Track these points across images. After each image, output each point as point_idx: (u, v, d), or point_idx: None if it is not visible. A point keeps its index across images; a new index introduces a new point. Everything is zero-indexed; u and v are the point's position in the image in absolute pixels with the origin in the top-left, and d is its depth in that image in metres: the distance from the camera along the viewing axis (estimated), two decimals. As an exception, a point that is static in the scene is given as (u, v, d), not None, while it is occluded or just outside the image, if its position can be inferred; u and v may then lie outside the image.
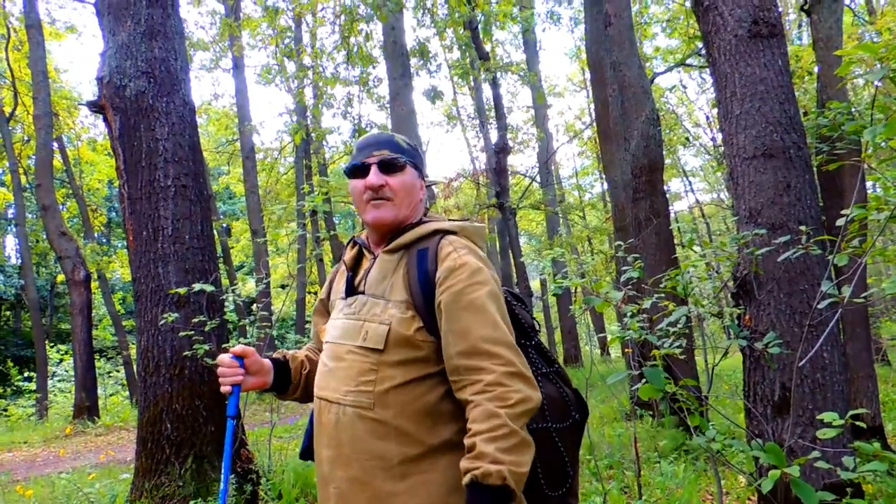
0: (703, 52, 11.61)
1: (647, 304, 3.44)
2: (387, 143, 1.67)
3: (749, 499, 4.55)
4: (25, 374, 23.58)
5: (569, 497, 1.52)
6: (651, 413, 7.33)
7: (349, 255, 1.73)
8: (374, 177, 1.62)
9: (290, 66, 17.40)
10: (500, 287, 1.51)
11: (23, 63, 17.72)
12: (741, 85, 3.30)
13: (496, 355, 1.36)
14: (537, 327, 1.66)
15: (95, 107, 4.87)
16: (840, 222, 2.48)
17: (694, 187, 28.46)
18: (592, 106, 18.60)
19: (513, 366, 1.36)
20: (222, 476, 1.63)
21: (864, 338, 5.45)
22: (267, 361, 1.72)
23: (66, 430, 11.64)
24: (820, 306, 2.47)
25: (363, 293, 1.59)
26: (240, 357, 1.64)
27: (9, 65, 17.84)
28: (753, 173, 3.20)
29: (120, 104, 4.70)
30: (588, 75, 22.87)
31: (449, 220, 1.68)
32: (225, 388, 1.63)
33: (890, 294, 2.03)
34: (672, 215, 9.20)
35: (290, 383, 1.76)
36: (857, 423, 2.38)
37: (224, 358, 1.63)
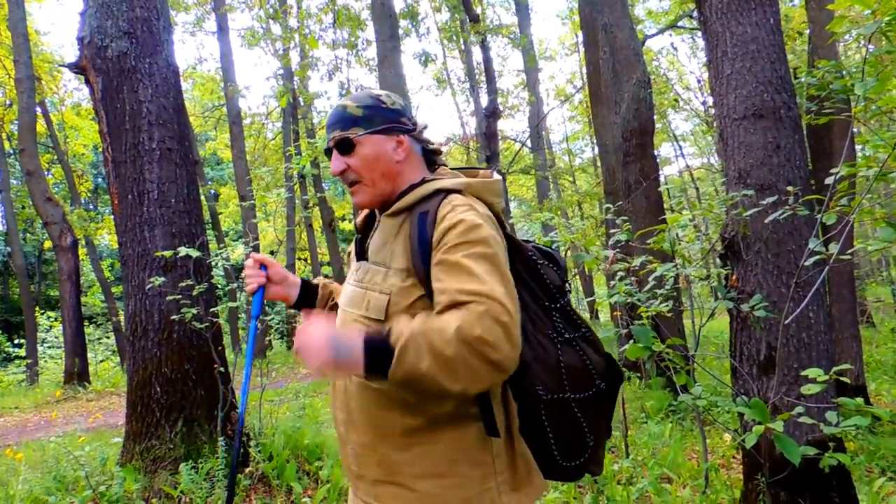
0: (695, 13, 11.46)
1: (636, 262, 3.45)
2: (338, 120, 1.55)
3: (734, 457, 4.63)
4: (15, 341, 23.57)
5: (590, 465, 1.48)
6: (638, 375, 7.42)
7: (360, 217, 1.66)
8: (335, 163, 1.55)
9: (276, 29, 17.11)
10: (501, 243, 1.40)
11: (2, 25, 17.31)
12: (732, 44, 3.26)
13: (479, 302, 1.24)
14: (568, 287, 1.53)
15: (77, 68, 4.77)
16: (829, 180, 2.48)
17: (684, 151, 28.42)
18: (584, 69, 18.45)
19: (498, 315, 1.23)
20: (245, 366, 1.64)
21: (849, 299, 5.51)
22: (293, 276, 1.73)
23: (56, 394, 11.66)
24: (807, 263, 2.48)
25: (367, 259, 1.54)
26: (262, 265, 1.66)
27: (-12, 27, 17.44)
28: (743, 134, 3.19)
29: (101, 65, 4.60)
30: (580, 38, 22.60)
31: (456, 175, 1.56)
32: (250, 288, 1.62)
33: (877, 251, 2.04)
34: (662, 179, 9.18)
35: (314, 308, 1.75)
36: (842, 378, 2.40)
37: (248, 261, 1.64)
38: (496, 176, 1.57)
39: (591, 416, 1.44)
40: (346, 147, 1.53)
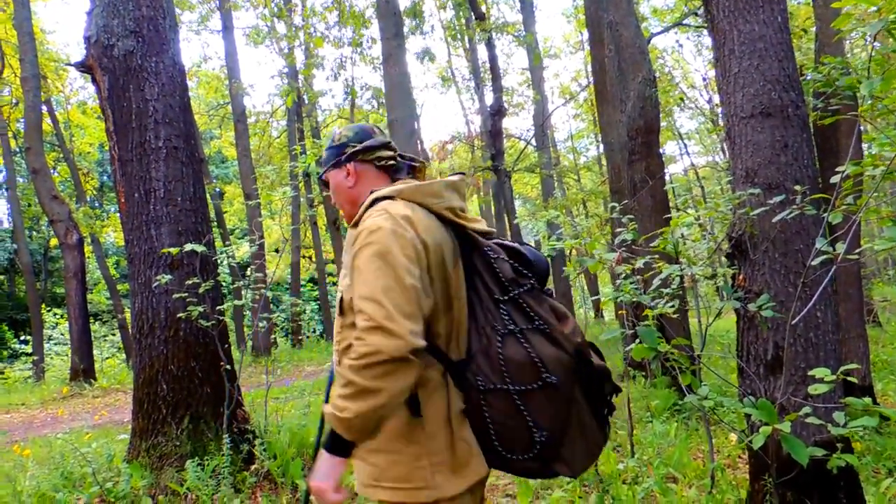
0: (701, 11, 11.40)
1: (640, 263, 3.44)
2: (320, 164, 1.92)
3: (739, 457, 4.62)
4: (21, 338, 23.66)
5: (554, 463, 1.53)
6: (644, 374, 7.41)
7: None
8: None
9: (281, 27, 17.12)
10: (406, 240, 1.52)
11: (8, 24, 17.37)
12: (740, 42, 3.25)
13: (362, 311, 1.45)
14: (523, 280, 1.60)
15: (84, 67, 4.78)
16: (835, 179, 2.46)
17: (689, 150, 28.36)
18: (589, 67, 18.40)
19: (372, 320, 1.42)
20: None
21: (856, 299, 5.49)
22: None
23: (63, 390, 11.71)
24: (814, 263, 2.47)
25: None
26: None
27: (-6, 26, 17.51)
28: (751, 132, 3.17)
29: (108, 64, 4.62)
30: (585, 36, 22.55)
31: (406, 183, 1.71)
32: None
33: (883, 250, 2.03)
34: (667, 178, 9.16)
35: None
36: (849, 377, 2.40)
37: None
38: (427, 181, 1.73)
39: (541, 411, 1.49)
40: (325, 185, 1.93)
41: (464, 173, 1.88)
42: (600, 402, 1.62)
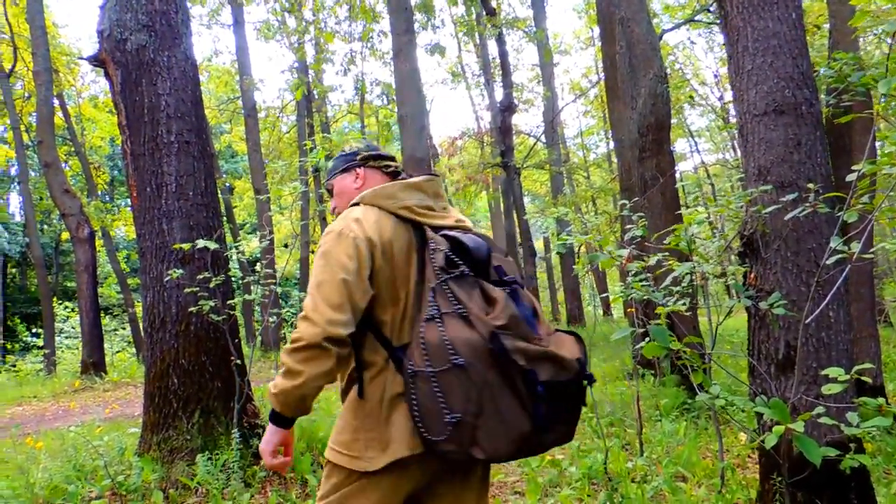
0: (713, 7, 11.33)
1: (652, 261, 3.43)
2: (327, 174, 2.16)
3: (749, 456, 4.61)
4: (33, 331, 23.83)
5: (471, 447, 1.58)
6: (653, 372, 7.39)
7: None
8: (332, 203, 2.14)
9: (291, 22, 17.13)
10: (350, 239, 1.73)
11: (21, 18, 17.47)
12: (753, 39, 3.23)
13: (308, 294, 1.72)
14: (451, 269, 1.71)
15: (96, 61, 4.80)
16: (851, 177, 2.44)
17: (700, 147, 28.24)
18: (600, 64, 18.33)
19: (304, 310, 1.68)
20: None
21: (867, 298, 5.45)
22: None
23: (74, 383, 11.79)
24: (828, 262, 2.45)
25: None
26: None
27: (7, 20, 17.60)
28: (764, 130, 3.15)
29: (121, 58, 4.64)
30: (595, 32, 22.44)
31: (382, 187, 1.90)
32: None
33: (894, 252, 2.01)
34: (678, 175, 9.12)
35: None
36: (862, 377, 2.38)
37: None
38: (389, 184, 1.92)
39: (451, 392, 1.57)
40: (329, 192, 2.13)
41: (436, 174, 2.03)
42: (533, 389, 1.60)
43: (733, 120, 3.68)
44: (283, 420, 1.75)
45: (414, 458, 1.68)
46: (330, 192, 2.12)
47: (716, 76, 22.80)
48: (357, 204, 1.86)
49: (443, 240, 1.78)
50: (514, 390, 1.59)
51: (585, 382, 1.72)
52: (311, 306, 1.67)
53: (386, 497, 1.73)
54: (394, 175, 2.06)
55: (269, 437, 1.77)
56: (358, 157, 2.07)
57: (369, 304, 1.74)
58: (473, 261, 1.74)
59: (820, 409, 2.22)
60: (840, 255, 2.42)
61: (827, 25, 6.52)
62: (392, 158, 2.10)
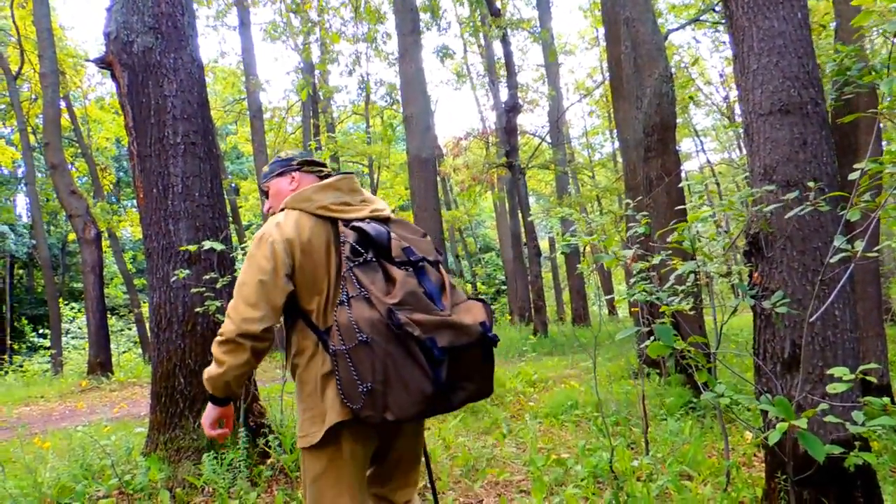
0: (719, 7, 11.30)
1: (655, 260, 3.43)
2: (262, 177, 2.35)
3: (755, 455, 4.60)
4: (40, 332, 23.90)
5: (384, 411, 1.81)
6: (658, 371, 7.38)
7: None
8: (264, 204, 2.38)
9: (297, 23, 17.16)
10: (269, 243, 1.98)
11: (28, 20, 17.54)
12: (759, 39, 3.23)
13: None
14: (356, 257, 1.94)
15: (103, 63, 4.83)
16: (853, 176, 2.44)
17: (705, 147, 28.15)
18: (605, 64, 18.31)
19: (227, 309, 1.97)
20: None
21: (874, 297, 5.44)
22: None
23: (81, 383, 11.84)
24: (832, 261, 2.45)
25: None
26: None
27: (14, 22, 17.68)
28: (769, 130, 3.15)
29: (127, 60, 4.66)
30: (600, 32, 22.41)
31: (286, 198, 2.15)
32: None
33: (905, 250, 2.01)
34: (683, 175, 9.10)
35: None
36: (867, 377, 2.38)
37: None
38: (306, 188, 2.15)
39: (361, 364, 1.80)
40: (264, 194, 2.34)
41: (351, 173, 2.24)
42: (430, 355, 1.81)
43: (740, 119, 3.69)
44: (217, 400, 2.07)
45: (346, 423, 1.93)
46: (266, 193, 2.33)
47: (721, 76, 22.74)
48: (283, 209, 2.11)
49: (351, 232, 1.99)
50: (414, 358, 1.81)
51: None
52: (232, 305, 1.96)
53: (346, 463, 1.99)
54: (324, 178, 2.24)
55: (208, 412, 2.10)
56: (294, 162, 2.28)
57: (296, 295, 2.01)
58: (376, 247, 1.97)
59: (824, 406, 2.23)
60: (844, 254, 2.42)
61: (833, 24, 6.51)
62: (324, 165, 2.33)
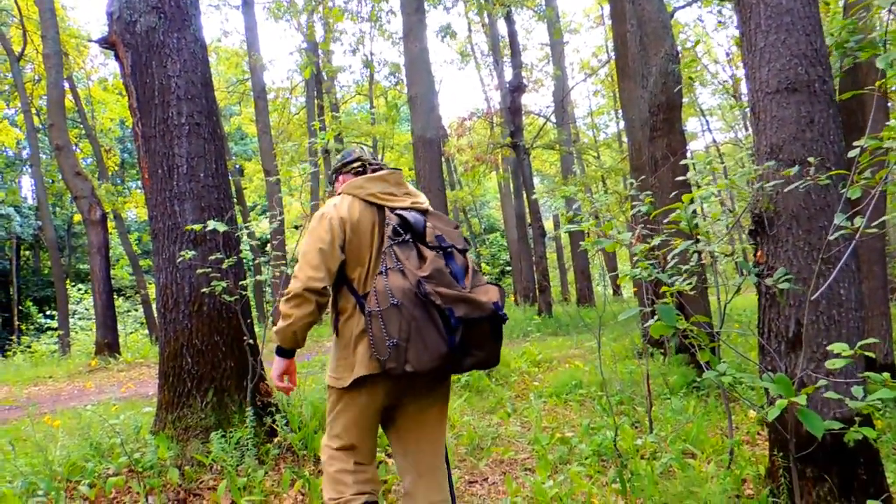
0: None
1: (656, 241, 3.43)
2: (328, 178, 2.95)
3: (758, 433, 4.63)
4: (47, 313, 24.03)
5: (405, 364, 2.17)
6: (662, 351, 7.40)
7: None
8: None
9: (300, 1, 17.04)
10: (329, 219, 2.41)
11: (30, 1, 17.45)
12: (766, 16, 3.20)
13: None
14: (395, 237, 2.36)
15: (106, 44, 4.81)
16: (853, 153, 2.43)
17: (711, 126, 27.97)
18: (610, 43, 18.14)
19: (294, 271, 2.38)
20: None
21: (880, 276, 5.44)
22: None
23: (90, 363, 11.93)
24: (832, 238, 2.45)
25: None
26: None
27: (16, 2, 17.60)
28: (776, 108, 3.13)
29: (131, 40, 4.64)
30: (606, 10, 22.19)
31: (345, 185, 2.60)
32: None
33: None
34: (689, 155, 9.05)
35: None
36: (868, 353, 2.39)
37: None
38: (355, 179, 2.59)
39: (391, 324, 2.18)
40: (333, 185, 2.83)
41: (398, 169, 2.63)
42: (448, 323, 2.18)
43: (747, 98, 3.65)
44: (285, 352, 2.49)
45: (370, 377, 2.33)
46: (333, 185, 2.85)
47: (727, 54, 22.51)
48: (340, 194, 2.57)
49: (395, 217, 2.42)
50: (434, 323, 2.17)
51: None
52: (298, 268, 2.37)
53: (360, 407, 2.42)
54: (359, 173, 2.67)
55: (276, 365, 2.51)
56: (348, 161, 2.77)
57: (343, 264, 2.41)
58: (413, 231, 2.39)
59: (823, 382, 2.24)
60: (844, 231, 2.42)
61: (841, 2, 6.43)
62: (356, 160, 2.73)
